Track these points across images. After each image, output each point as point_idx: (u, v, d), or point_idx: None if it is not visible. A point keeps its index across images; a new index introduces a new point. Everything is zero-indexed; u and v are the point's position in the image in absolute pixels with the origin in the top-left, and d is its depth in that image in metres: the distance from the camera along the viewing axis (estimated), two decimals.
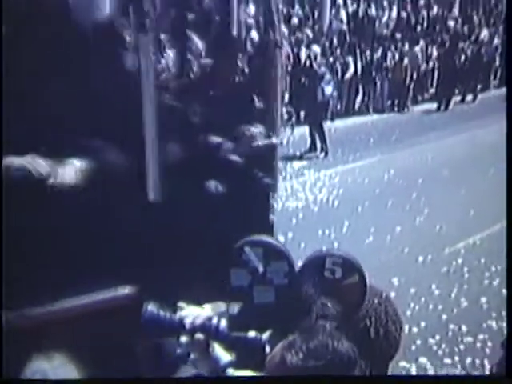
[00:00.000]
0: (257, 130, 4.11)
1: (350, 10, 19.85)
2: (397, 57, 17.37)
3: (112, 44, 3.66)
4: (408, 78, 17.49)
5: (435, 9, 21.06)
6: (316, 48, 15.58)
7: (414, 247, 8.53)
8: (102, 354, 3.32)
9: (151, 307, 2.79)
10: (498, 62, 19.25)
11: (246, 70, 4.20)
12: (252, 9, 4.49)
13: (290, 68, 14.91)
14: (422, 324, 6.78)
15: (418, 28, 20.59)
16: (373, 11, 20.09)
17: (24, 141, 3.19)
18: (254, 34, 4.30)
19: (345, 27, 18.88)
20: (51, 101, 3.28)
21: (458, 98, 18.66)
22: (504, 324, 6.15)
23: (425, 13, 20.99)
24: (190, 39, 3.99)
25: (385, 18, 20.48)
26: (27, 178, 3.23)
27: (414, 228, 9.37)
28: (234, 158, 4.01)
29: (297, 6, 19.72)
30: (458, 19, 21.01)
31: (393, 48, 17.68)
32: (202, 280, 3.67)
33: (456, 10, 21.62)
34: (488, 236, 8.58)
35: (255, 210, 4.18)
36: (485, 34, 19.54)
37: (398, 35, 18.57)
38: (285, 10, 17.00)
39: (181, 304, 2.85)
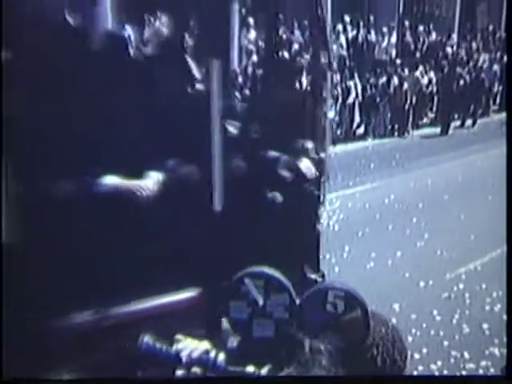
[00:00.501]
0: (310, 145, 4.59)
1: (350, 35, 19.98)
2: (397, 82, 17.45)
3: (183, 67, 4.34)
4: (408, 103, 17.57)
5: (434, 35, 21.21)
6: None
7: (414, 272, 8.49)
8: None
9: (147, 339, 2.76)
10: (496, 88, 19.34)
11: (300, 91, 4.85)
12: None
13: None
14: (424, 350, 6.73)
15: (418, 54, 20.72)
16: (372, 37, 20.22)
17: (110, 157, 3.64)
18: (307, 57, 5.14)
19: (345, 53, 18.98)
20: (129, 122, 3.78)
21: (458, 122, 18.71)
22: (504, 350, 6.12)
23: (424, 39, 21.13)
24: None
25: (384, 44, 20.61)
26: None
27: (415, 253, 9.34)
28: (288, 171, 4.40)
29: (297, 32, 19.84)
30: (457, 45, 21.16)
31: (393, 73, 17.78)
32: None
33: (455, 36, 21.78)
34: (489, 261, 8.53)
35: (305, 220, 4.59)
36: (483, 59, 19.66)
37: (398, 61, 18.67)
38: (284, 36, 17.08)
39: (178, 336, 2.82)
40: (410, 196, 11.75)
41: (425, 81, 18.46)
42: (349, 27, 20.07)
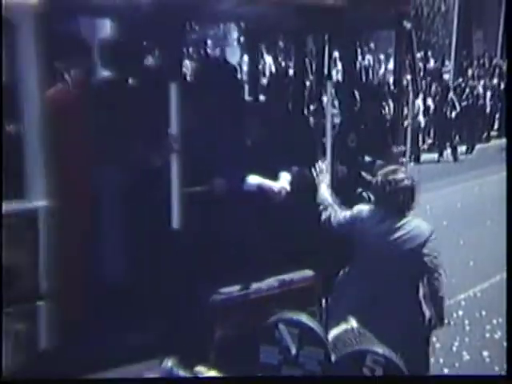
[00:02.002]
0: (401, 149, 5.74)
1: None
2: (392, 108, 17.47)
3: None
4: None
5: (431, 62, 21.36)
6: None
7: None
8: None
9: (170, 363, 3.07)
10: (494, 114, 19.43)
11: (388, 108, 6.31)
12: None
13: None
14: None
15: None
16: (370, 63, 20.35)
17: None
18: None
19: (341, 78, 19.02)
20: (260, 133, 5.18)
21: (460, 148, 18.73)
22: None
23: (421, 65, 21.25)
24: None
25: (382, 71, 20.73)
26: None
27: None
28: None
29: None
30: (453, 72, 21.29)
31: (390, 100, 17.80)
32: None
33: (451, 63, 21.93)
34: (488, 287, 8.41)
35: None
36: (480, 86, 19.77)
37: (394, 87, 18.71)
38: (283, 64, 17.30)
39: (199, 368, 3.16)
40: None
41: (423, 107, 18.52)
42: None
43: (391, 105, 6.38)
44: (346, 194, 5.24)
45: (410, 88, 6.06)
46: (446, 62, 21.80)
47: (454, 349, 6.99)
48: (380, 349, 2.98)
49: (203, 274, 4.58)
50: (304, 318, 3.23)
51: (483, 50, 22.40)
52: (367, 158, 5.81)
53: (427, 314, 4.60)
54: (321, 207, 4.74)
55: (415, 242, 4.33)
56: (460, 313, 7.72)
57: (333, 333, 3.71)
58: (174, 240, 4.50)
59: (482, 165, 16.17)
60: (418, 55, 21.57)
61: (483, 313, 7.72)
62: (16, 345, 4.01)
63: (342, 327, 3.44)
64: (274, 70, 17.34)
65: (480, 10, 22.43)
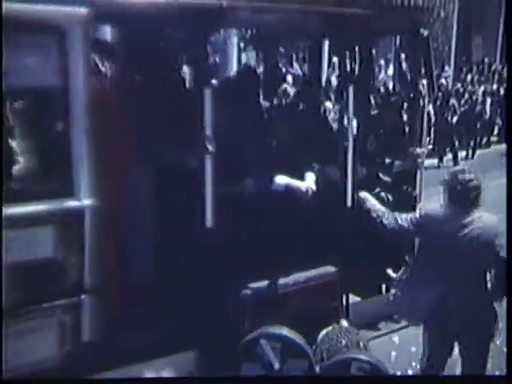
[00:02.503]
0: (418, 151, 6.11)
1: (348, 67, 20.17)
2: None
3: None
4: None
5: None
6: None
7: None
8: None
9: None
10: (494, 119, 19.56)
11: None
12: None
13: None
14: None
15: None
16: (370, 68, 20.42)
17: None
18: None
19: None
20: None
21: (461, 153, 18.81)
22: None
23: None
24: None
25: (382, 76, 20.86)
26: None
27: None
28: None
29: (295, 65, 20.07)
30: (453, 77, 21.43)
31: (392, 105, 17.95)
32: None
33: (451, 69, 22.08)
34: None
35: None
36: (480, 91, 19.91)
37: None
38: (284, 70, 17.44)
39: None
40: None
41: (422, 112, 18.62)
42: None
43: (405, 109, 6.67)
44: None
45: (424, 92, 6.20)
46: (446, 68, 21.97)
47: (454, 356, 7.04)
48: (364, 356, 2.99)
49: (234, 269, 4.79)
50: (285, 331, 3.28)
51: (482, 55, 22.52)
52: (386, 160, 6.09)
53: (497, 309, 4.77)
54: (373, 214, 4.87)
55: (488, 234, 4.53)
56: None
57: (322, 333, 3.74)
58: (207, 238, 4.71)
59: (482, 170, 16.20)
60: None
61: None
62: (61, 336, 4.22)
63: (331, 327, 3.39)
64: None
65: (479, 16, 22.56)
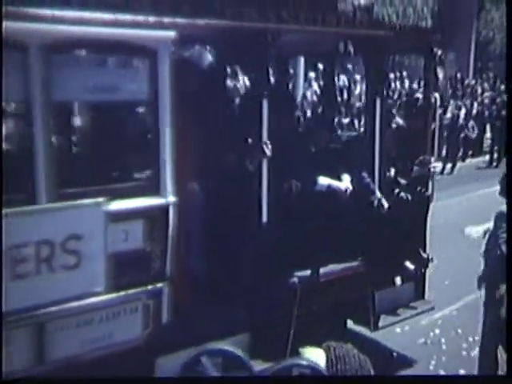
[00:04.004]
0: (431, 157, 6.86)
1: (322, 82, 20.79)
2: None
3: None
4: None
5: (406, 82, 22.29)
6: None
7: None
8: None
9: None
10: (469, 133, 20.20)
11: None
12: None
13: None
14: None
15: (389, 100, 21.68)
16: (345, 84, 21.08)
17: None
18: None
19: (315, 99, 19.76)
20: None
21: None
22: None
23: (397, 85, 22.17)
24: None
25: (357, 91, 21.57)
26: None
27: None
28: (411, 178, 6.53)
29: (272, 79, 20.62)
30: (425, 92, 22.18)
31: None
32: None
33: (424, 84, 22.83)
34: (464, 306, 8.36)
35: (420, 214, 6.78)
36: (453, 105, 20.64)
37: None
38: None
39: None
40: None
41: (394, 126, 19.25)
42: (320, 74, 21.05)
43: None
44: (388, 195, 6.35)
45: (437, 105, 6.91)
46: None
47: (431, 367, 6.94)
48: (304, 361, 2.93)
49: (284, 260, 5.44)
50: (226, 346, 3.28)
51: (455, 71, 23.50)
52: (406, 165, 6.85)
53: None
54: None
55: None
56: (437, 331, 7.73)
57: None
58: (263, 232, 5.35)
59: (461, 183, 16.41)
60: (392, 75, 22.75)
61: (459, 331, 7.73)
62: (145, 319, 4.79)
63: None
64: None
65: (452, 33, 23.52)
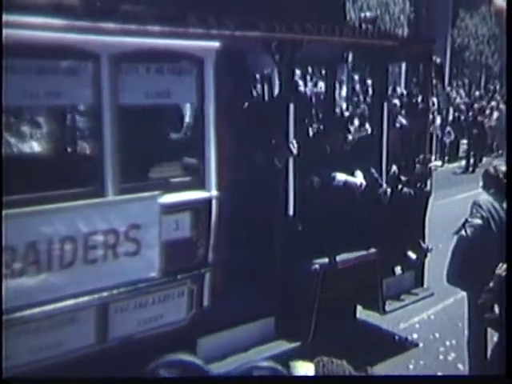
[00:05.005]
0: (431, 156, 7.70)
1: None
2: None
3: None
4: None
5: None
6: None
7: None
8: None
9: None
10: (445, 139, 20.87)
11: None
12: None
13: None
14: None
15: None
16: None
17: None
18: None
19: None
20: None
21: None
22: None
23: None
24: None
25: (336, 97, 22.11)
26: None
27: None
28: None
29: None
30: (401, 97, 22.97)
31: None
32: None
33: (401, 89, 23.66)
34: (441, 310, 8.42)
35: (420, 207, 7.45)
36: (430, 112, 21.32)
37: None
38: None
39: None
40: None
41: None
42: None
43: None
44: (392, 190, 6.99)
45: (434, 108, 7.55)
46: (397, 89, 23.62)
47: (409, 371, 6.93)
48: (264, 363, 3.19)
49: (306, 248, 5.97)
50: (182, 356, 3.56)
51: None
52: (408, 163, 7.47)
53: None
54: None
55: None
56: (415, 336, 7.73)
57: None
58: (289, 224, 5.90)
59: (437, 187, 17.02)
60: (369, 81, 23.43)
61: (437, 335, 7.74)
62: (189, 302, 5.28)
63: None
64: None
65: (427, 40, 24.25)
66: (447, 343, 7.43)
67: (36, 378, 3.93)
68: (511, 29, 5.86)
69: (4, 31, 3.92)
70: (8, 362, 4.03)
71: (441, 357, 7.19)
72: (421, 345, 7.51)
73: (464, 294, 6.33)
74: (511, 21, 6.02)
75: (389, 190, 6.76)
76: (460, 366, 6.67)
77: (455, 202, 13.42)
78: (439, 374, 6.63)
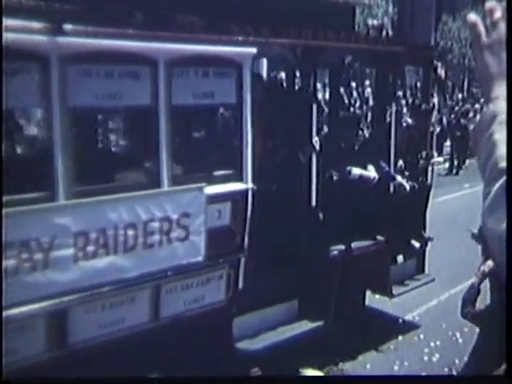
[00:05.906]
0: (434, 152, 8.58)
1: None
2: None
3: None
4: None
5: (368, 90, 23.55)
6: None
7: None
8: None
9: None
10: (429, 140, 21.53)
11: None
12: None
13: None
14: None
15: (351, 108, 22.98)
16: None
17: None
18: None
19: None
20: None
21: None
22: None
23: (358, 94, 23.38)
24: None
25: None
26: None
27: None
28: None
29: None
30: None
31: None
32: None
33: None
34: (425, 311, 8.54)
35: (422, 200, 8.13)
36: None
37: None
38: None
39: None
40: None
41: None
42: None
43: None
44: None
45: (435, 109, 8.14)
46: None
47: (393, 373, 6.92)
48: None
49: (326, 237, 6.58)
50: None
51: (415, 79, 24.89)
52: (412, 159, 8.14)
53: None
54: None
55: None
56: (400, 338, 7.80)
57: None
58: (312, 214, 6.44)
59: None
60: (354, 84, 24.12)
61: (421, 336, 7.81)
62: (227, 285, 5.79)
63: None
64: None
65: (411, 43, 24.93)
66: (431, 344, 7.52)
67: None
68: (511, 30, 6.55)
69: (80, 40, 4.44)
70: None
71: (425, 358, 7.26)
72: (405, 346, 7.59)
73: (447, 295, 6.98)
74: (511, 21, 6.68)
75: (400, 180, 7.36)
76: (444, 367, 6.78)
77: (439, 204, 13.32)
78: (423, 374, 6.63)
